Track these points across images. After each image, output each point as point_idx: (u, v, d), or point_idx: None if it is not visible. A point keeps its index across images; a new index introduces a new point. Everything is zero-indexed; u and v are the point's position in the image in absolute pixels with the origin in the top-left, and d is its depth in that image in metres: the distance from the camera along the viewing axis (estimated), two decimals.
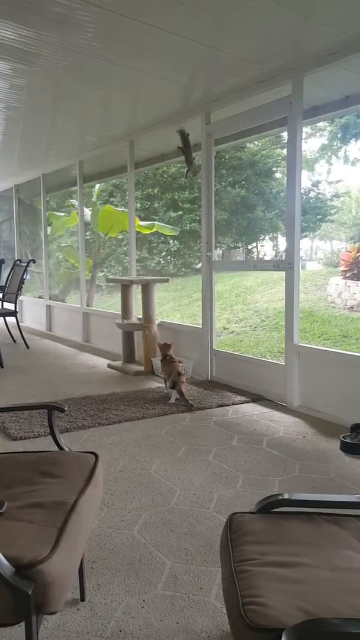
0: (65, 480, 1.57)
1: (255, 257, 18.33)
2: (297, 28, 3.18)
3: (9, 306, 6.80)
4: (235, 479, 2.75)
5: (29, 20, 3.12)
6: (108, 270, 15.46)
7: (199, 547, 2.10)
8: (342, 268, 11.20)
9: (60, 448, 1.86)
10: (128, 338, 5.57)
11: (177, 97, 4.51)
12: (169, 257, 15.67)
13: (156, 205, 15.41)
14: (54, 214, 10.17)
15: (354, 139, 16.39)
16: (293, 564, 1.21)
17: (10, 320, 6.94)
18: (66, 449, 1.85)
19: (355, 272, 10.74)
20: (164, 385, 4.43)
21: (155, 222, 10.47)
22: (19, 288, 6.67)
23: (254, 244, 18.37)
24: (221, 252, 17.00)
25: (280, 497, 1.48)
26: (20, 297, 7.63)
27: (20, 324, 6.95)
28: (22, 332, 6.85)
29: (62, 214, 10.51)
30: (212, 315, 4.89)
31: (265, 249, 19.54)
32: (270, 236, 18.58)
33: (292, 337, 3.99)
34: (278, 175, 16.44)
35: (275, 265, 4.25)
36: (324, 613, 1.02)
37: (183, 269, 16.00)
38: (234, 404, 4.11)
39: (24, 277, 6.70)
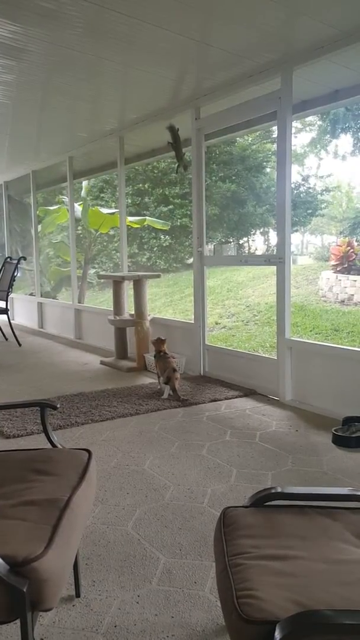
0: (59, 477, 1.57)
1: (246, 251, 18.35)
2: (286, 22, 3.18)
3: None
4: (229, 473, 2.76)
5: (16, 16, 3.09)
6: (99, 266, 15.41)
7: (193, 542, 2.11)
8: (332, 262, 11.27)
9: (54, 445, 1.86)
10: (120, 334, 5.57)
11: (167, 92, 4.49)
12: (160, 253, 15.65)
13: (147, 200, 15.37)
14: (45, 208, 10.11)
15: (343, 133, 16.43)
16: (286, 557, 1.22)
17: (2, 317, 6.91)
18: (59, 446, 1.85)
19: (346, 266, 10.79)
20: (156, 381, 4.43)
21: (147, 217, 10.45)
22: (10, 285, 6.66)
23: (245, 239, 18.41)
24: (212, 247, 17.01)
25: (273, 491, 1.49)
26: (11, 295, 7.59)
27: (11, 321, 6.93)
28: (14, 329, 6.83)
29: (53, 207, 10.46)
30: (204, 310, 4.90)
31: (256, 243, 19.61)
32: (261, 231, 18.64)
33: (283, 332, 4.00)
34: (268, 170, 16.47)
35: (266, 259, 4.26)
36: (317, 605, 1.03)
37: (174, 265, 16.00)
38: (226, 398, 4.12)
39: (15, 274, 6.68)
